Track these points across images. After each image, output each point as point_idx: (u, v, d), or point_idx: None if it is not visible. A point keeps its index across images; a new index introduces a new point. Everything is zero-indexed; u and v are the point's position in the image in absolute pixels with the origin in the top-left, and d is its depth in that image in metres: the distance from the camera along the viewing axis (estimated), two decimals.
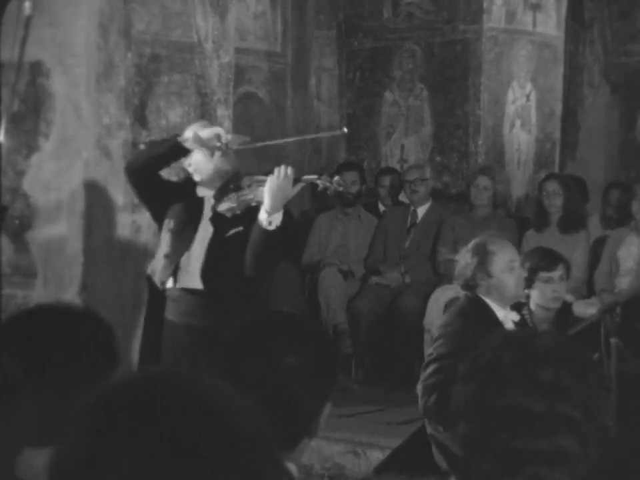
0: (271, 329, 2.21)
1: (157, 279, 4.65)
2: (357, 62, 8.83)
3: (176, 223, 4.61)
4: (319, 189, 4.54)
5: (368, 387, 7.20)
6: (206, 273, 4.51)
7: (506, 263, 4.68)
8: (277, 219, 4.31)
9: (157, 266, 4.69)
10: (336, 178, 4.44)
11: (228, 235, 4.50)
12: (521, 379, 1.74)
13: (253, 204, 4.43)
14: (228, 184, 4.52)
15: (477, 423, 1.75)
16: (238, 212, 4.45)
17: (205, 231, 4.59)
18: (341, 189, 4.47)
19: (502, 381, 1.74)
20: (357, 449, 5.91)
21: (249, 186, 4.46)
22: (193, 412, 1.19)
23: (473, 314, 4.60)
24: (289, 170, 4.32)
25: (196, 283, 4.53)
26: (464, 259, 4.73)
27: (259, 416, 1.23)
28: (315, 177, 4.50)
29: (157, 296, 4.69)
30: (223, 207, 4.48)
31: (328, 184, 4.41)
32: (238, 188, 4.49)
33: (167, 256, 4.61)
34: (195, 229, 4.56)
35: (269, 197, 4.30)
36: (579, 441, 1.71)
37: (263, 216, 4.32)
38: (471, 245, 4.78)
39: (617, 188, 7.92)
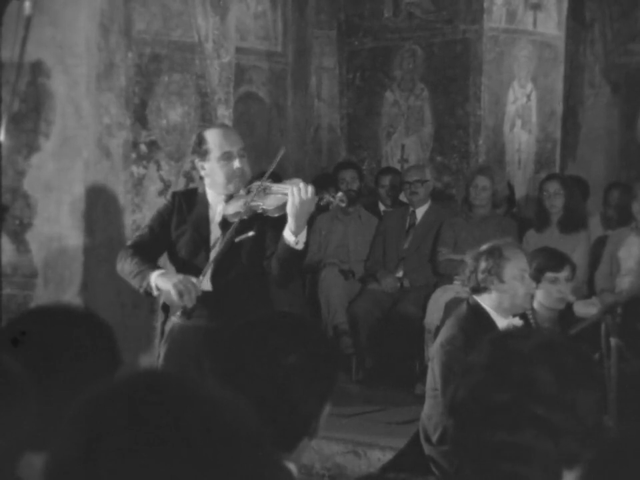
0: (271, 328, 2.21)
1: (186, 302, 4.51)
2: (358, 62, 8.83)
3: (187, 251, 4.58)
4: (322, 202, 4.52)
5: (368, 387, 7.20)
6: (216, 276, 4.50)
7: (518, 271, 4.66)
8: (303, 236, 4.31)
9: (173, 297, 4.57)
10: (339, 194, 4.43)
11: (238, 239, 4.47)
12: (513, 377, 1.74)
13: (259, 211, 4.41)
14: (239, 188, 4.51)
15: (466, 420, 1.75)
16: (244, 217, 4.44)
17: (214, 235, 4.57)
18: (343, 205, 4.46)
19: (492, 379, 1.75)
20: (357, 448, 5.91)
21: (258, 192, 4.43)
22: (187, 412, 1.19)
23: (473, 325, 4.57)
24: (310, 189, 4.28)
25: (205, 284, 4.52)
26: (475, 260, 4.70)
27: (252, 415, 1.24)
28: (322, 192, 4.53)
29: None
30: (229, 210, 4.47)
31: (332, 199, 4.40)
32: (247, 192, 4.48)
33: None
34: (206, 257, 4.54)
35: (294, 218, 4.26)
36: (576, 440, 1.72)
37: (290, 238, 4.28)
38: (485, 247, 4.73)
39: (617, 188, 7.92)
